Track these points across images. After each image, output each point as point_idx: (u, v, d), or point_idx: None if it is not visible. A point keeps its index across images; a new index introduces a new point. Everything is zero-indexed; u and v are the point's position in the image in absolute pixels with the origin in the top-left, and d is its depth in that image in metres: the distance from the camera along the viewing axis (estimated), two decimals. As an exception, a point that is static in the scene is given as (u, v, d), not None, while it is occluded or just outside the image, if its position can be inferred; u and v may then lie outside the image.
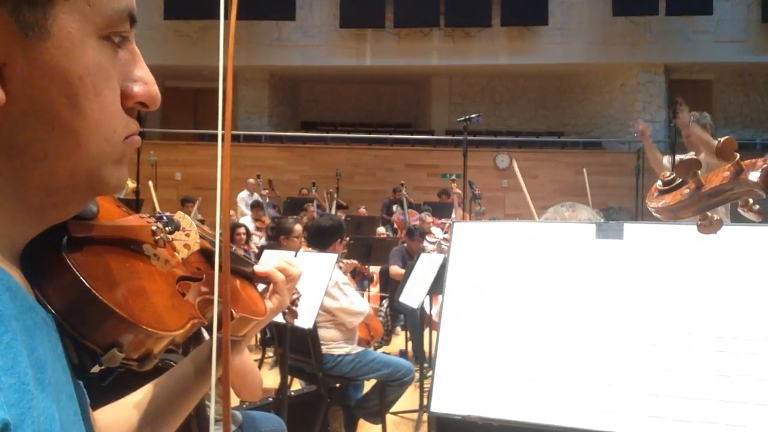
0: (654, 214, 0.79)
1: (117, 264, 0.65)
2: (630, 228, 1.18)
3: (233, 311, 0.78)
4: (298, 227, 4.78)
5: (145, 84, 0.59)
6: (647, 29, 15.60)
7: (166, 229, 0.74)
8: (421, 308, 4.60)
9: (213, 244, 0.82)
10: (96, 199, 0.68)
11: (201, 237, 0.82)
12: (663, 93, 15.91)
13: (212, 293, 0.77)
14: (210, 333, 0.80)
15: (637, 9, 15.13)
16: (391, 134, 16.36)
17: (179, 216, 0.78)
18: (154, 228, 0.72)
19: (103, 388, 0.69)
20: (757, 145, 15.63)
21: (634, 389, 1.06)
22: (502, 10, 15.62)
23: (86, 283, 0.59)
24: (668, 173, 0.78)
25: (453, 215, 9.78)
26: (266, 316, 0.90)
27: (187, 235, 0.77)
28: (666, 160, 4.99)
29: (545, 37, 15.86)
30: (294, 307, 1.02)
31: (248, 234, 7.79)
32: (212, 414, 0.92)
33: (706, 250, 1.10)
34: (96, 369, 0.63)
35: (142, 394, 0.85)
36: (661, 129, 15.57)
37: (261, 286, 0.97)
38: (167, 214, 0.77)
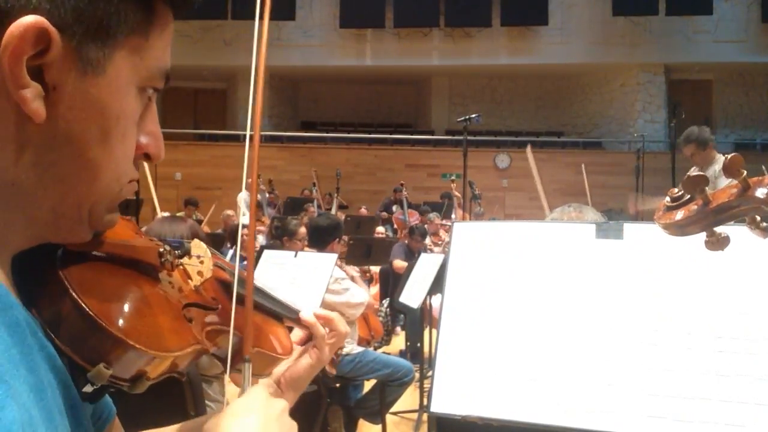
0: (662, 230, 0.78)
1: (116, 281, 0.64)
2: (630, 228, 1.18)
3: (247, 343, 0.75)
4: (303, 230, 4.77)
5: (156, 139, 0.64)
6: (647, 29, 15.59)
7: (176, 252, 0.73)
8: (422, 306, 4.59)
9: (232, 274, 0.79)
10: None
11: (219, 266, 0.79)
12: (663, 93, 15.91)
13: (225, 324, 0.75)
14: (224, 363, 0.77)
15: (637, 9, 15.13)
16: (391, 134, 16.34)
17: (194, 243, 0.76)
18: (161, 250, 0.70)
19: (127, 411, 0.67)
20: (757, 145, 15.63)
21: (634, 389, 1.06)
22: (502, 10, 15.62)
23: (74, 294, 0.57)
24: (676, 189, 0.77)
25: (453, 216, 9.79)
26: (305, 371, 0.87)
27: (201, 262, 0.76)
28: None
29: (545, 37, 15.86)
30: (336, 358, 0.94)
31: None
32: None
33: (706, 249, 1.10)
34: (89, 389, 0.60)
35: None
36: (661, 129, 15.57)
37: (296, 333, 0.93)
38: (179, 240, 0.77)
